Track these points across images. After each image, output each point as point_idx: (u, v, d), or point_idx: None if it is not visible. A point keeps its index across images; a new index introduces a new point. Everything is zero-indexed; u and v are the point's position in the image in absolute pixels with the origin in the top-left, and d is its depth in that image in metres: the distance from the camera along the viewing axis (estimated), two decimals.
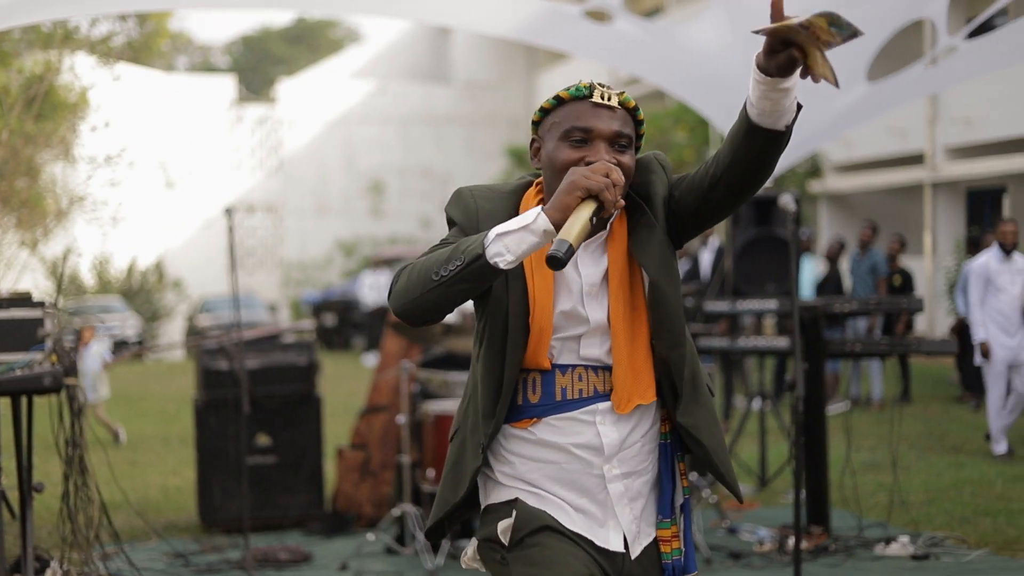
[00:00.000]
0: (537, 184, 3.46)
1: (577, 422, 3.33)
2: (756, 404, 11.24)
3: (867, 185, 28.83)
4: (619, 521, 3.37)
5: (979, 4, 23.88)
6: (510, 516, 3.35)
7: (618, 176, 3.09)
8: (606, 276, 3.35)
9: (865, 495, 9.78)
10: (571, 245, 3.00)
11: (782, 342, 9.28)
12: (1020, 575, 7.83)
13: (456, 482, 3.46)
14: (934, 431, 14.12)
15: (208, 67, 62.05)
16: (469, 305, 3.32)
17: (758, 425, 11.17)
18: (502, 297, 3.31)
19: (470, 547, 3.55)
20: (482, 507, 3.47)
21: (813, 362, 8.64)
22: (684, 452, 3.48)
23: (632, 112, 3.38)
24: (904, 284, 16.90)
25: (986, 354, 11.99)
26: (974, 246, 16.61)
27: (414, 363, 8.83)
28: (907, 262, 20.55)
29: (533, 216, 3.05)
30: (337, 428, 12.96)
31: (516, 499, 3.36)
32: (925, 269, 25.48)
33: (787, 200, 8.16)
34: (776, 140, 3.15)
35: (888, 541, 8.39)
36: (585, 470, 3.34)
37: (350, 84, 41.30)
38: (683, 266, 16.19)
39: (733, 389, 15.38)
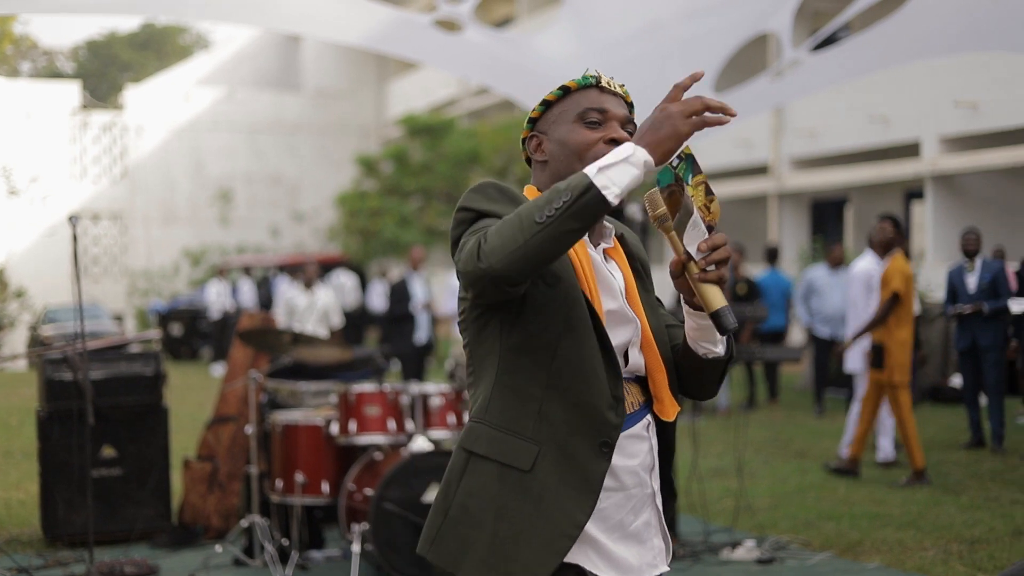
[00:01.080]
0: (528, 188, 3.38)
1: (638, 439, 3.23)
2: None
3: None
4: (664, 536, 3.34)
5: (823, 18, 24.40)
6: None
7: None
8: (625, 285, 3.31)
9: (712, 501, 9.91)
10: (724, 308, 3.04)
11: None
12: None
13: (571, 502, 3.11)
14: (779, 437, 14.35)
15: (53, 72, 60.98)
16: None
17: None
18: (564, 293, 3.13)
19: None
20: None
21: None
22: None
23: (629, 106, 3.36)
24: (750, 292, 17.16)
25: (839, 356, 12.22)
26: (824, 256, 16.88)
27: (262, 373, 8.77)
28: (753, 271, 20.89)
29: (630, 150, 2.90)
30: (184, 439, 12.80)
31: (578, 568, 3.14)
32: (746, 276, 25.93)
33: (634, 210, 8.24)
34: (711, 365, 3.29)
35: (734, 546, 8.51)
36: (641, 491, 3.24)
37: (198, 91, 40.86)
38: None
39: None
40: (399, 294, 15.40)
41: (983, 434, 13.39)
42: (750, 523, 9.34)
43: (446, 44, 10.17)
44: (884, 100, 23.78)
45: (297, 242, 39.78)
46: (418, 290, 15.38)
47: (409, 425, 7.97)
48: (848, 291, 12.58)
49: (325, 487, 7.97)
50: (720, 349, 3.25)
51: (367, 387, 7.98)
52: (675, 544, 8.54)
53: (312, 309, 13.68)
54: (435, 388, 8.13)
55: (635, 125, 3.30)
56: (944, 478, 11.40)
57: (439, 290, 17.15)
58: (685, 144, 3.02)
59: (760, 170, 28.06)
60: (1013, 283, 13.70)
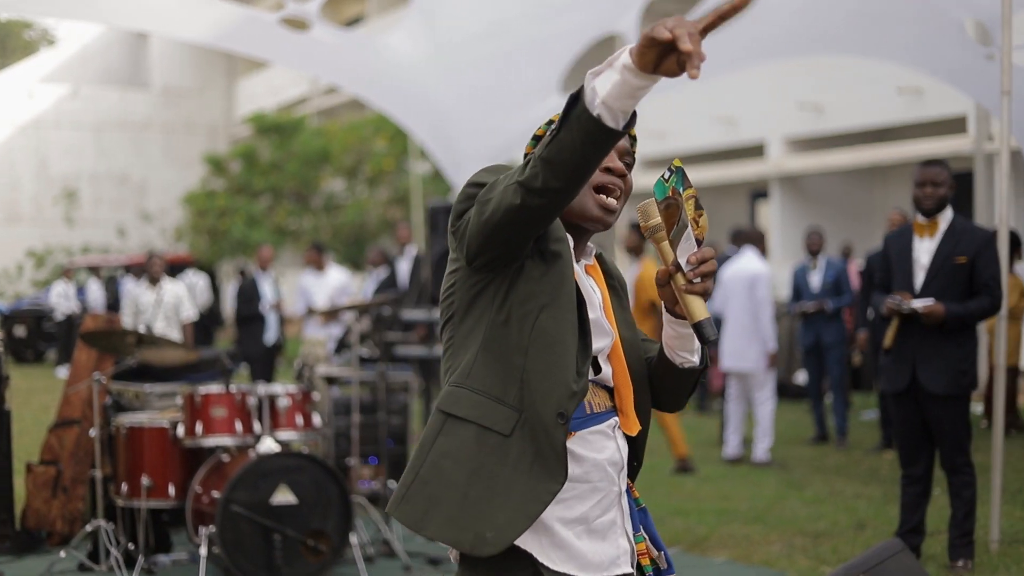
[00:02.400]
0: None
1: (603, 436, 3.29)
2: None
3: None
4: (627, 538, 3.37)
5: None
6: None
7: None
8: (602, 297, 3.40)
9: None
10: (706, 320, 3.13)
11: None
12: (709, 572, 8.08)
13: (545, 471, 3.16)
14: None
15: None
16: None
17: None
18: (559, 271, 3.22)
19: None
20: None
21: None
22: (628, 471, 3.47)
23: (631, 139, 3.41)
24: None
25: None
26: None
27: (106, 375, 8.62)
28: None
29: (620, 52, 2.86)
30: (28, 443, 12.53)
31: (537, 566, 3.18)
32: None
33: None
34: (685, 375, 3.41)
35: None
36: (608, 487, 3.30)
37: (42, 88, 40.13)
38: (381, 274, 16.23)
39: (432, 397, 15.46)
40: (248, 294, 15.26)
41: (827, 429, 13.65)
42: None
43: (294, 42, 10.11)
44: (730, 102, 24.11)
45: (144, 242, 39.21)
46: (267, 290, 15.26)
47: (256, 427, 7.89)
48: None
49: (171, 490, 7.87)
50: (695, 359, 3.37)
51: (213, 388, 7.89)
52: None
53: (159, 305, 13.35)
54: (282, 389, 8.07)
55: (633, 157, 3.40)
56: (789, 473, 11.60)
57: (288, 290, 17.01)
58: (675, 159, 3.16)
59: None
60: (856, 282, 13.99)
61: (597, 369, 3.31)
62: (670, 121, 25.61)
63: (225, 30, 9.93)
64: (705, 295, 3.13)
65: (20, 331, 29.77)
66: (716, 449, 13.13)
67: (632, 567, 3.37)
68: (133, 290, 13.57)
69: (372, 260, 17.44)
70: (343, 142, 29.30)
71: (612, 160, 3.31)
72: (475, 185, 3.21)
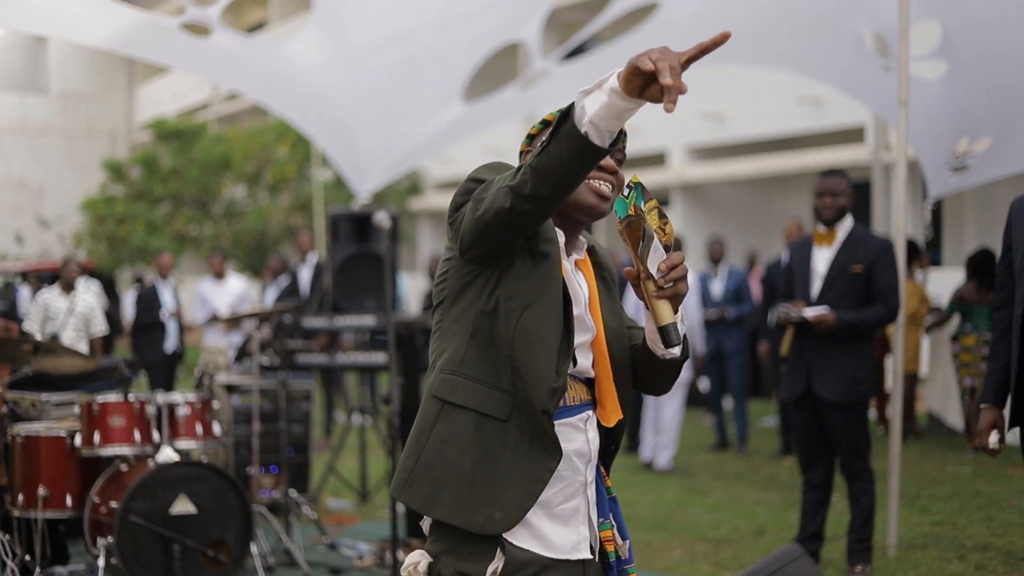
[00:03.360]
0: None
1: (573, 428, 3.42)
2: (356, 419, 11.27)
3: None
4: (591, 527, 3.49)
5: (573, 29, 24.71)
6: (493, 556, 3.34)
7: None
8: (588, 295, 3.52)
9: None
10: (672, 324, 3.29)
11: (380, 357, 9.35)
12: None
13: (542, 450, 3.35)
14: None
15: None
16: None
17: (358, 440, 11.23)
18: (545, 271, 3.37)
19: (423, 562, 3.41)
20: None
21: (410, 377, 8.74)
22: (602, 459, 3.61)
23: (622, 135, 3.46)
24: None
25: None
26: None
27: (2, 383, 8.49)
28: None
29: (610, 74, 3.00)
30: None
31: (501, 540, 3.32)
32: None
33: (382, 217, 8.23)
34: (667, 365, 3.53)
35: None
36: (574, 476, 3.43)
37: None
38: (282, 283, 16.14)
39: (334, 404, 15.41)
40: (147, 302, 15.10)
41: (728, 436, 13.74)
42: None
43: (194, 48, 10.02)
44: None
45: (43, 249, 38.73)
46: (167, 298, 15.11)
47: (155, 436, 7.81)
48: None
49: (69, 500, 7.75)
50: (677, 351, 3.49)
51: (111, 397, 7.79)
52: None
53: (71, 314, 12.96)
54: (182, 398, 7.99)
55: (624, 153, 3.54)
56: (691, 480, 11.67)
57: (187, 298, 16.85)
58: (634, 174, 3.28)
59: None
60: (757, 290, 14.11)
61: (574, 362, 3.44)
62: None
63: (125, 35, 9.81)
64: (676, 297, 3.28)
65: None
66: (617, 456, 13.15)
67: (593, 554, 3.51)
68: (44, 293, 13.05)
69: (272, 268, 17.34)
70: (244, 148, 29.11)
71: (604, 159, 3.40)
72: (474, 180, 3.38)
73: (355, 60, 10.73)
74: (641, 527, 9.53)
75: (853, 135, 21.45)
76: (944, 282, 15.74)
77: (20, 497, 7.79)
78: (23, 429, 7.92)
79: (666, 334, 3.30)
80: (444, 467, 3.34)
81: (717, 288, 13.45)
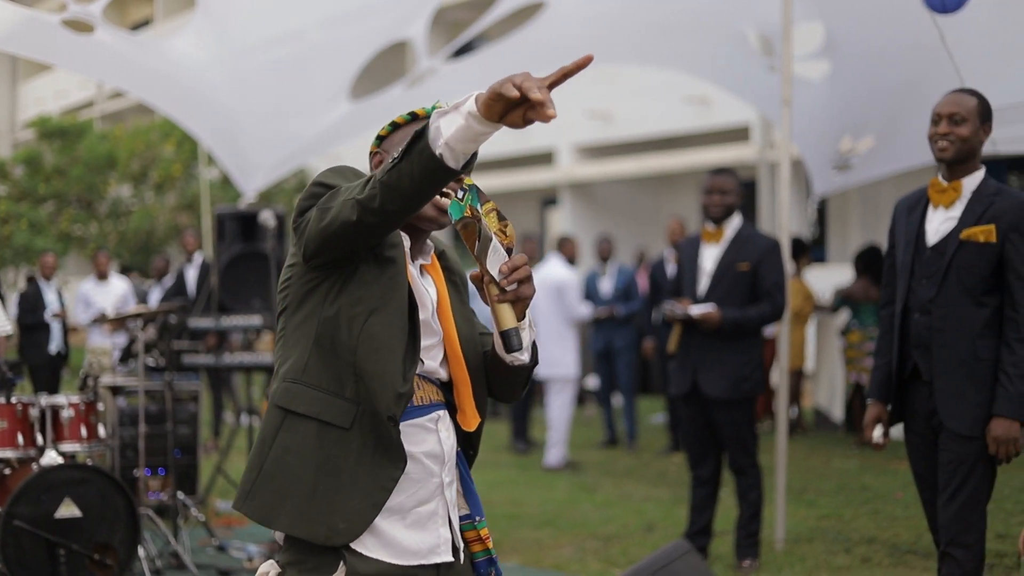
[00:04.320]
0: None
1: (422, 429, 3.38)
2: (244, 420, 11.19)
3: None
4: (451, 529, 3.45)
5: (459, 27, 24.72)
6: (336, 568, 3.28)
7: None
8: (437, 299, 3.50)
9: None
10: (513, 329, 3.27)
11: (270, 357, 9.29)
12: None
13: (386, 459, 3.29)
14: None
15: None
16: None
17: (247, 440, 11.16)
18: (390, 276, 3.33)
19: (272, 572, 3.36)
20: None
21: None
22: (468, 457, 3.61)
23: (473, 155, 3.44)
24: None
25: None
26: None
27: None
28: None
29: (468, 97, 2.98)
30: None
31: (343, 552, 3.27)
32: None
33: (267, 216, 8.20)
34: (516, 372, 3.50)
35: None
36: (427, 479, 3.38)
37: None
38: (168, 283, 15.99)
39: (222, 405, 15.28)
40: (31, 303, 14.87)
41: (617, 433, 13.83)
42: None
43: (77, 45, 9.86)
44: None
45: None
46: (51, 299, 14.89)
47: (39, 439, 7.69)
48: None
49: None
50: (525, 357, 3.46)
51: None
52: None
53: None
54: (66, 400, 7.86)
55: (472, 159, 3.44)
56: (581, 476, 11.73)
57: (72, 299, 16.61)
58: (467, 176, 3.21)
59: None
60: (644, 286, 14.22)
61: (421, 364, 3.42)
62: None
63: (6, 31, 9.65)
64: (519, 301, 3.27)
65: None
66: (506, 454, 13.21)
67: (456, 556, 3.49)
68: None
69: (157, 268, 17.17)
70: (130, 147, 28.80)
71: None
72: (320, 185, 3.34)
73: (241, 58, 10.65)
74: (531, 524, 9.55)
75: (739, 134, 21.67)
76: (829, 279, 15.95)
77: None
78: None
79: (507, 339, 3.28)
80: (286, 478, 3.29)
81: (606, 286, 13.53)
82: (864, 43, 9.24)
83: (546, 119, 2.95)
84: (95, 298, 15.25)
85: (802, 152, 9.67)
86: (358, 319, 3.29)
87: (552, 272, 12.60)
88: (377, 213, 3.11)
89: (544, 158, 25.36)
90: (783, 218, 8.39)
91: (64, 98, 37.80)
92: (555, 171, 24.43)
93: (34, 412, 7.70)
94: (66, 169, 29.11)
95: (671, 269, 12.46)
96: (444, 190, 3.33)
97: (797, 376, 13.70)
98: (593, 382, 16.39)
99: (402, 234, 3.44)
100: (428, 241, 3.57)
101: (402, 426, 3.33)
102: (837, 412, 13.81)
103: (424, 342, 3.41)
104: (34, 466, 7.51)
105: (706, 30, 10.00)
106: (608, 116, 23.32)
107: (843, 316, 12.97)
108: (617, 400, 14.65)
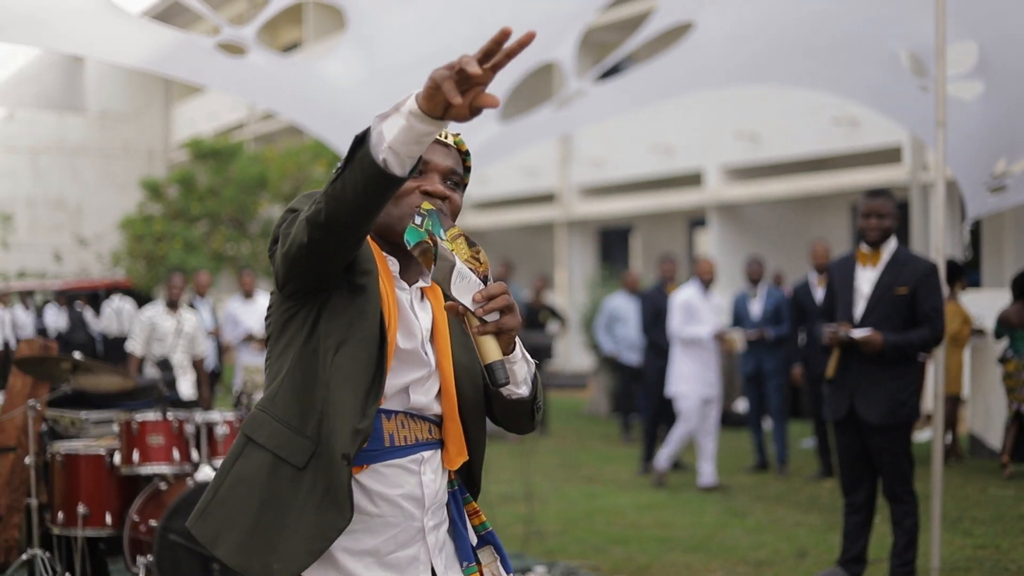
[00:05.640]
0: None
1: (403, 471, 3.24)
2: None
3: (502, 222, 29.43)
4: (432, 573, 3.29)
5: (607, 49, 24.78)
6: None
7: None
8: (432, 327, 3.33)
9: (501, 527, 9.93)
10: (498, 362, 3.05)
11: None
12: None
13: (333, 507, 3.13)
14: (568, 462, 14.46)
15: None
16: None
17: None
18: (358, 307, 3.17)
19: None
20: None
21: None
22: (470, 492, 3.47)
23: (463, 155, 3.35)
24: (553, 319, 17.43)
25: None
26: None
27: (41, 401, 8.53)
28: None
29: (407, 96, 2.85)
30: None
31: None
32: (560, 305, 26.20)
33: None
34: (516, 405, 3.33)
35: (524, 572, 8.53)
36: (406, 523, 3.25)
37: None
38: None
39: None
40: None
41: (767, 457, 13.69)
42: (540, 549, 9.37)
43: (230, 68, 10.03)
44: (668, 130, 24.24)
45: (81, 267, 38.92)
46: (205, 316, 15.14)
47: (194, 454, 7.82)
48: (668, 318, 12.77)
49: (108, 518, 7.77)
50: (524, 390, 3.30)
51: (150, 416, 7.81)
52: None
53: (179, 335, 12.31)
54: (220, 416, 7.99)
55: (460, 176, 3.34)
56: (730, 501, 11.62)
57: (223, 317, 16.86)
58: (425, 201, 3.11)
59: (547, 198, 28.35)
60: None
61: (407, 399, 3.27)
62: (608, 150, 25.73)
63: (161, 54, 9.84)
64: (502, 332, 3.07)
65: None
66: (648, 476, 13.14)
67: None
68: (150, 314, 12.57)
69: None
70: (281, 168, 29.19)
71: (432, 184, 3.26)
72: (290, 211, 3.20)
73: (390, 79, 10.73)
74: (680, 548, 9.49)
75: (889, 155, 21.37)
76: (983, 303, 15.66)
77: (60, 515, 7.82)
78: (63, 447, 7.95)
79: (491, 373, 3.04)
80: (234, 505, 3.20)
81: (756, 308, 13.42)
82: (1018, 62, 9.06)
83: (491, 103, 2.76)
84: (241, 317, 15.46)
85: (955, 173, 9.50)
86: (329, 352, 3.16)
87: (678, 294, 12.68)
88: (324, 228, 2.95)
89: (692, 179, 25.24)
90: (938, 241, 8.25)
91: (216, 120, 38.46)
92: (702, 192, 24.30)
93: (189, 428, 7.83)
94: (219, 189, 29.58)
95: (818, 292, 12.33)
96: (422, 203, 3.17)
97: (954, 402, 13.44)
98: (742, 405, 16.25)
99: (390, 258, 3.29)
100: None
101: (381, 467, 3.21)
102: (992, 438, 13.53)
103: (411, 374, 3.26)
104: (189, 481, 7.63)
105: (856, 50, 9.87)
106: (756, 137, 23.14)
107: (1003, 343, 12.72)
108: (767, 424, 14.50)
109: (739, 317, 13.51)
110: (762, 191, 23.32)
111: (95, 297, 29.60)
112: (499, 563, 3.44)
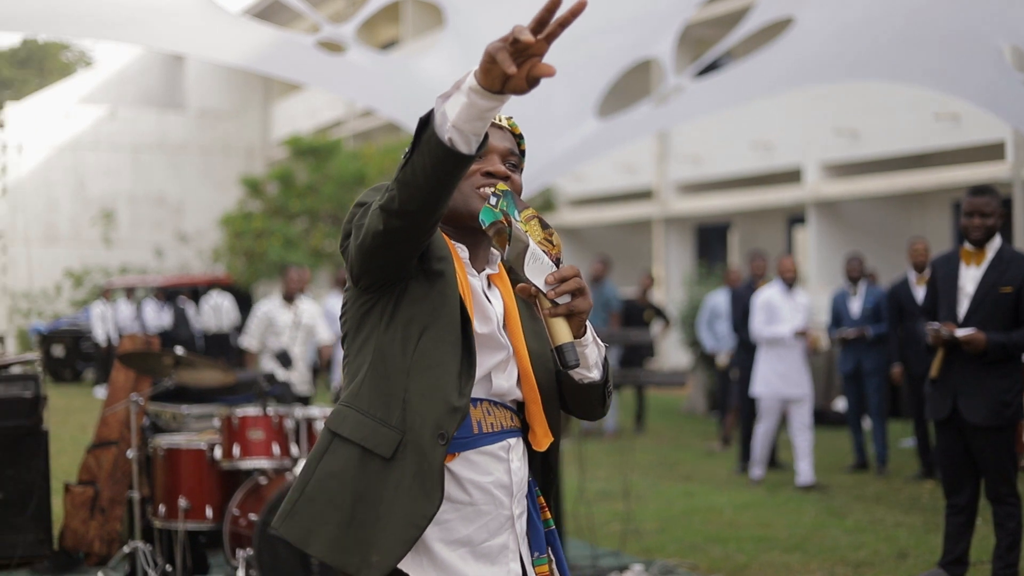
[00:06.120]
0: None
1: (492, 458, 3.27)
2: None
3: (599, 219, 29.37)
4: (521, 562, 3.32)
5: (705, 45, 24.66)
6: None
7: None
8: (505, 312, 3.37)
9: (599, 524, 9.91)
10: (568, 344, 3.11)
11: None
12: None
13: (423, 494, 3.14)
14: (666, 460, 14.42)
15: None
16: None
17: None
18: (439, 291, 3.21)
19: None
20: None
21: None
22: (541, 486, 3.48)
23: (517, 138, 3.41)
24: (658, 318, 17.39)
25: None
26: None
27: (144, 396, 8.64)
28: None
29: (467, 74, 2.90)
30: (67, 463, 12.58)
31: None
32: (657, 302, 26.14)
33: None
34: (588, 390, 3.34)
35: (622, 570, 8.52)
36: (496, 511, 3.27)
37: (80, 109, 40.33)
38: None
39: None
40: None
41: (867, 457, 13.56)
42: (638, 547, 9.36)
43: (329, 65, 10.10)
44: (766, 126, 24.07)
45: (182, 263, 39.40)
46: None
47: (294, 449, 7.89)
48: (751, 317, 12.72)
49: (209, 512, 7.87)
50: (595, 374, 3.31)
51: (250, 411, 7.89)
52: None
53: (297, 327, 12.37)
54: (319, 411, 8.06)
55: (519, 157, 3.39)
56: (829, 501, 11.53)
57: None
58: (499, 182, 3.14)
59: (644, 195, 28.26)
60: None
61: (490, 383, 3.30)
62: (706, 146, 25.60)
63: (261, 53, 9.93)
64: (573, 315, 3.12)
65: (58, 351, 29.91)
66: (747, 475, 13.06)
67: None
68: (264, 305, 12.73)
69: None
70: (379, 165, 29.34)
71: (493, 164, 3.31)
72: (359, 205, 3.24)
73: None
74: (779, 548, 9.43)
75: (992, 151, 21.08)
76: None
77: (161, 508, 7.92)
78: (164, 441, 8.05)
79: (561, 355, 3.12)
80: (325, 502, 3.21)
81: (855, 306, 13.29)
82: None
83: (548, 72, 2.79)
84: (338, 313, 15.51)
85: None
86: (412, 339, 3.19)
87: (760, 294, 12.63)
88: (399, 215, 2.99)
89: (791, 176, 25.05)
90: None
91: (315, 117, 38.71)
92: (801, 189, 24.10)
93: (289, 423, 7.90)
94: (317, 186, 29.78)
95: (917, 291, 12.19)
96: (487, 185, 3.24)
97: None
98: (841, 404, 16.11)
99: (458, 244, 3.31)
100: (493, 250, 3.40)
101: (471, 454, 3.23)
102: None
103: (492, 358, 3.28)
104: (288, 476, 7.70)
105: (958, 45, 9.74)
106: (856, 133, 22.91)
107: None
108: (867, 423, 14.35)
109: (838, 315, 13.39)
110: (862, 188, 23.08)
111: (195, 293, 29.94)
112: (555, 564, 3.45)
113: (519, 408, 3.37)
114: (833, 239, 23.69)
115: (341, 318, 3.38)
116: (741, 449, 13.54)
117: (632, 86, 20.31)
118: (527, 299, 3.14)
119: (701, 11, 22.93)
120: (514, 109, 3.67)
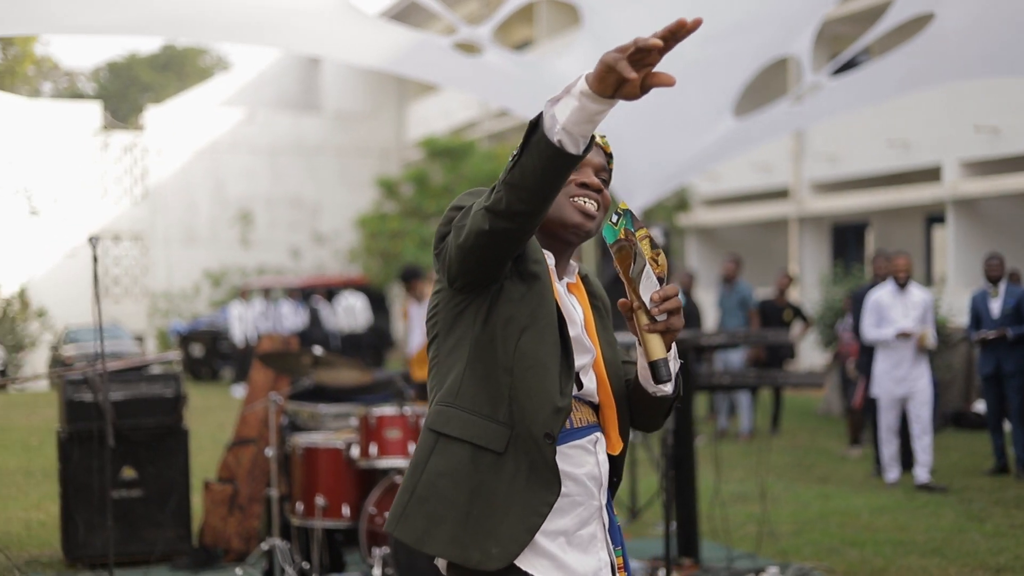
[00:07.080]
0: None
1: (584, 451, 3.36)
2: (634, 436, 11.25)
3: (733, 219, 29.19)
4: (608, 551, 3.43)
5: (843, 42, 24.40)
6: None
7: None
8: (584, 318, 3.46)
9: (734, 526, 9.86)
10: (662, 359, 3.24)
11: None
12: None
13: (540, 483, 3.25)
14: (802, 462, 14.29)
15: (74, 93, 61.06)
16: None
17: (629, 457, 11.22)
18: (537, 293, 3.31)
19: None
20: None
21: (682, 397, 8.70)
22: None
23: (608, 156, 3.49)
24: (797, 318, 17.23)
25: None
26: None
27: (282, 395, 8.74)
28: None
29: (578, 78, 2.95)
30: (205, 461, 12.78)
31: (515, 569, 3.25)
32: (795, 302, 25.93)
33: (655, 234, 8.22)
34: (659, 402, 3.44)
35: (758, 572, 8.45)
36: (588, 501, 3.37)
37: (219, 112, 40.93)
38: None
39: None
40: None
41: (1007, 460, 13.31)
42: (773, 549, 9.28)
43: (466, 66, 10.16)
44: (904, 124, 23.75)
45: (318, 264, 39.81)
46: None
47: None
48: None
49: (346, 510, 7.94)
50: (669, 388, 3.39)
51: (388, 410, 7.95)
52: (697, 571, 8.49)
53: None
54: None
55: (609, 173, 3.48)
56: (968, 504, 11.34)
57: None
58: (622, 200, 3.22)
59: (780, 194, 28.03)
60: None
61: (579, 385, 3.38)
62: (843, 145, 25.32)
63: (398, 54, 10.01)
64: (669, 332, 3.23)
65: (197, 350, 30.42)
66: (882, 478, 12.88)
67: None
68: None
69: None
70: None
71: (587, 176, 3.40)
72: (455, 209, 3.31)
73: None
74: (917, 552, 9.30)
75: None
76: None
77: (299, 506, 8.01)
78: (302, 440, 8.14)
79: (656, 369, 3.25)
80: (439, 501, 3.27)
81: (995, 307, 13.05)
82: None
83: (668, 82, 2.84)
84: None
85: None
86: (511, 338, 3.27)
87: (871, 294, 12.51)
88: (507, 216, 3.06)
89: (929, 174, 24.68)
90: None
91: (449, 118, 38.90)
92: (940, 187, 23.73)
93: None
94: (452, 187, 29.94)
95: None
96: (592, 209, 3.37)
97: None
98: (981, 406, 15.84)
99: (546, 252, 3.39)
100: (572, 261, 3.52)
101: (565, 447, 3.31)
102: None
103: (578, 360, 3.37)
104: None
105: None
106: (996, 130, 22.51)
107: None
108: (1007, 426, 14.09)
109: (978, 315, 13.16)
110: (1002, 186, 22.67)
111: (329, 294, 30.25)
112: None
113: (594, 408, 3.46)
114: (972, 238, 23.30)
115: (430, 321, 3.45)
116: (874, 452, 13.38)
117: (769, 85, 20.16)
118: (625, 313, 3.25)
119: (839, 8, 22.68)
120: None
